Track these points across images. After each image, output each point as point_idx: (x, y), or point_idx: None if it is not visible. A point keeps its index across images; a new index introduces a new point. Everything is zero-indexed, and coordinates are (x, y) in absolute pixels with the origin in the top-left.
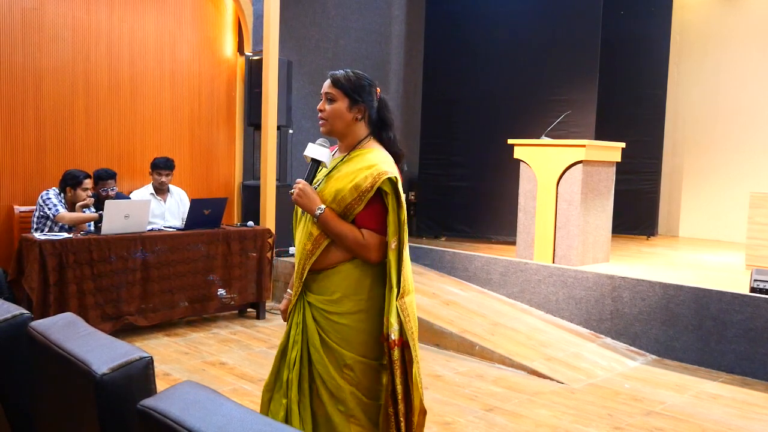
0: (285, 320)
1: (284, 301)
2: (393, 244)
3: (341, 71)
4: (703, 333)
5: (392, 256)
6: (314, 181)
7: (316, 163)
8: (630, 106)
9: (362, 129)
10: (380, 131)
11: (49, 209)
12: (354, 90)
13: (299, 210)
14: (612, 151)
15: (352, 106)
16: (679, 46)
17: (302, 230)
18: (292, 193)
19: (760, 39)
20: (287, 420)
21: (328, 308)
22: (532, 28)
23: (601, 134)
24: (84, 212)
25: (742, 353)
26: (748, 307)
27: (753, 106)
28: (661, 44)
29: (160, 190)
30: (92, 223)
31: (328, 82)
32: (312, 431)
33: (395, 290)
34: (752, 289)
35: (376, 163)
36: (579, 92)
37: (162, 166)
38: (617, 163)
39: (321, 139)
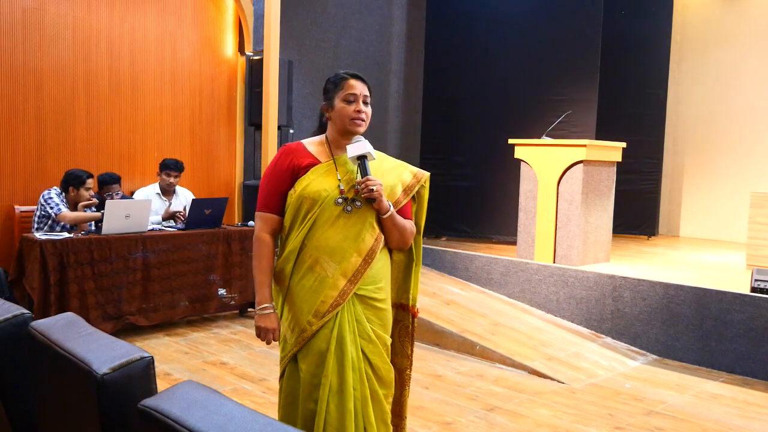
0: (275, 339)
1: (268, 317)
2: (421, 229)
3: (362, 74)
4: (704, 333)
5: (420, 239)
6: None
7: (362, 159)
8: (631, 105)
9: None
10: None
11: (51, 208)
12: (372, 96)
13: (333, 210)
14: (613, 150)
15: None
16: (679, 45)
17: (344, 228)
18: (372, 190)
19: (761, 38)
20: (357, 425)
21: (376, 296)
22: (533, 27)
23: (601, 134)
24: (86, 212)
25: (742, 353)
26: (749, 307)
27: (754, 106)
28: (661, 44)
29: (167, 191)
30: (93, 222)
31: (363, 85)
32: (370, 424)
33: (420, 268)
34: (753, 289)
35: (401, 162)
36: (580, 92)
37: (172, 167)
38: (618, 162)
39: (357, 139)
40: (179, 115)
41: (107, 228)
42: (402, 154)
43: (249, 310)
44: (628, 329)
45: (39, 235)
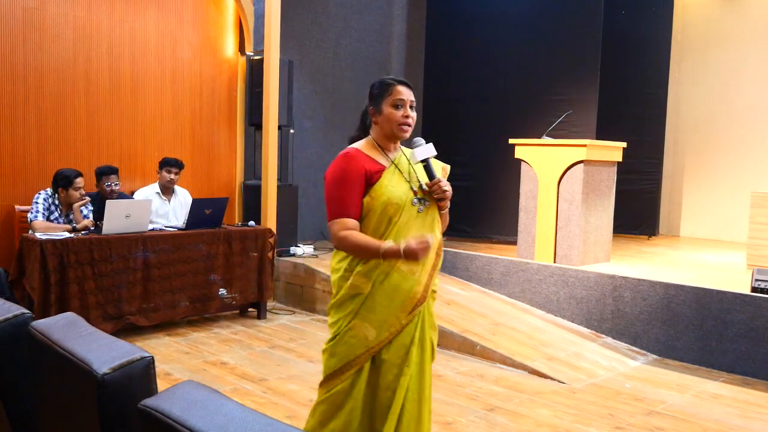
0: (425, 255)
1: (413, 243)
2: None
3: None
4: (704, 333)
5: None
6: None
7: (427, 161)
8: (631, 105)
9: None
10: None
11: (30, 212)
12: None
13: (412, 211)
14: (613, 150)
15: None
16: (680, 45)
17: (421, 227)
18: (445, 191)
19: (761, 38)
20: (419, 410)
21: (435, 281)
22: (534, 27)
23: (602, 134)
24: (81, 212)
25: (743, 353)
26: (749, 307)
27: (754, 106)
28: (662, 44)
29: (167, 190)
30: (93, 221)
31: (409, 91)
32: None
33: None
34: (753, 289)
35: None
36: (580, 92)
37: (173, 163)
38: (618, 162)
39: (419, 142)
40: (179, 115)
41: (107, 228)
42: None
43: (250, 310)
44: (628, 329)
45: (39, 235)
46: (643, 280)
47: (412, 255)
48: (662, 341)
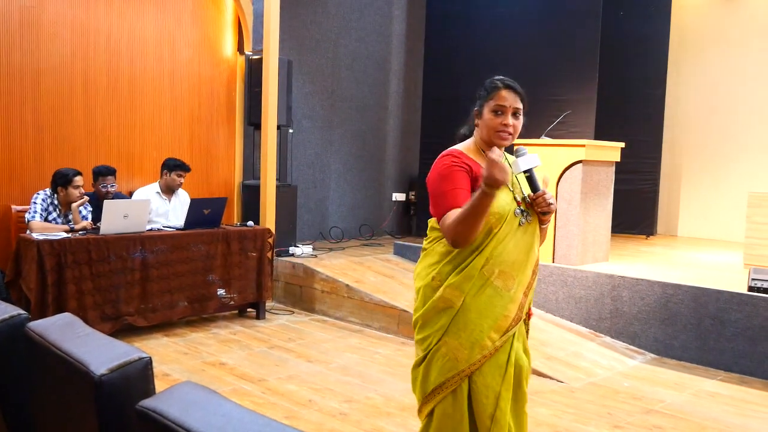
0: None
1: (486, 170)
2: None
3: (516, 83)
4: (702, 332)
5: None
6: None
7: (531, 172)
8: (629, 106)
9: None
10: None
11: (28, 213)
12: (526, 106)
13: (513, 223)
14: (611, 150)
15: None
16: (677, 46)
17: (521, 240)
18: (550, 204)
19: (759, 39)
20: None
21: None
22: (533, 27)
23: (600, 134)
24: (80, 212)
25: (740, 352)
26: (747, 306)
27: (751, 106)
28: (660, 45)
29: (168, 190)
30: (92, 221)
31: (513, 95)
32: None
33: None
34: (750, 288)
35: None
36: (579, 92)
37: (184, 168)
38: (617, 162)
39: (522, 151)
40: (178, 114)
41: (105, 228)
42: (402, 155)
43: (248, 310)
44: (626, 328)
45: (36, 236)
46: (642, 280)
47: (492, 180)
48: (660, 340)
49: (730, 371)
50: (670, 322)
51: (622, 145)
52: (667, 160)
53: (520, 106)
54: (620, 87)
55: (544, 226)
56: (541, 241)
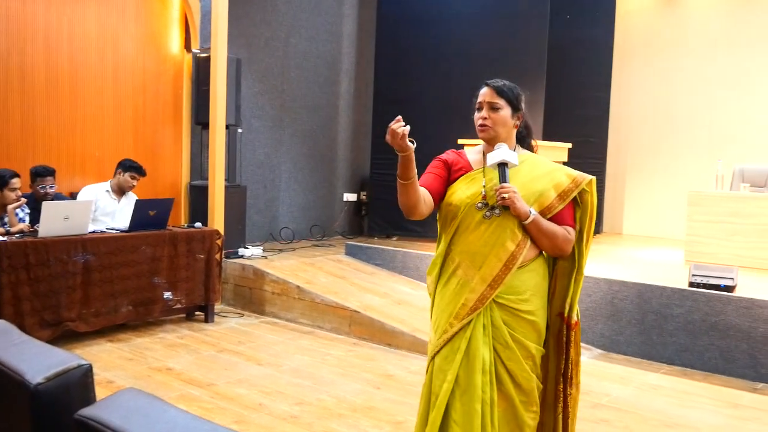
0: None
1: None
2: (586, 236)
3: (500, 81)
4: (646, 327)
5: (583, 246)
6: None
7: (502, 167)
8: (576, 107)
9: (514, 135)
10: (524, 138)
11: None
12: (516, 99)
13: (475, 215)
14: (559, 150)
15: (513, 114)
16: (621, 50)
17: (485, 233)
18: (503, 198)
19: (698, 45)
20: (483, 425)
21: (519, 306)
22: (482, 29)
23: (548, 134)
24: (17, 214)
25: (681, 345)
26: (688, 301)
27: (691, 110)
28: (605, 48)
29: (120, 191)
30: (29, 223)
31: (488, 91)
32: (494, 426)
33: (582, 277)
34: (691, 284)
35: (560, 166)
36: (526, 93)
37: (139, 171)
38: (564, 162)
39: (499, 147)
40: (121, 113)
41: (44, 230)
42: (353, 154)
43: (197, 313)
44: None
45: None
46: (588, 277)
47: (390, 143)
48: (606, 336)
49: (672, 364)
50: (615, 318)
51: (569, 145)
52: (612, 161)
53: (497, 100)
54: (567, 89)
55: (525, 222)
56: (536, 238)
